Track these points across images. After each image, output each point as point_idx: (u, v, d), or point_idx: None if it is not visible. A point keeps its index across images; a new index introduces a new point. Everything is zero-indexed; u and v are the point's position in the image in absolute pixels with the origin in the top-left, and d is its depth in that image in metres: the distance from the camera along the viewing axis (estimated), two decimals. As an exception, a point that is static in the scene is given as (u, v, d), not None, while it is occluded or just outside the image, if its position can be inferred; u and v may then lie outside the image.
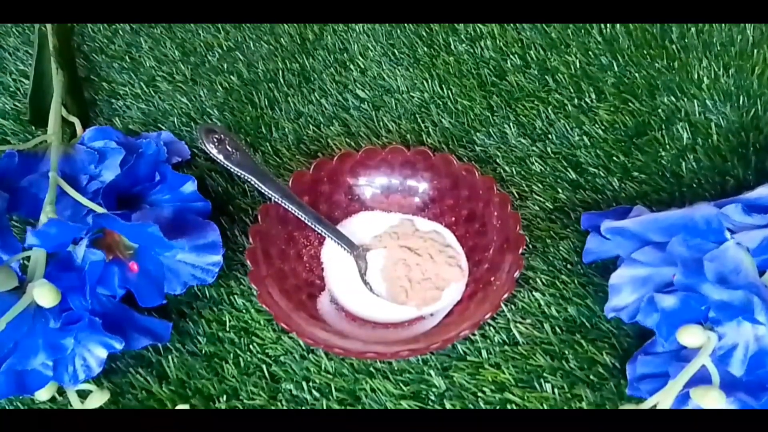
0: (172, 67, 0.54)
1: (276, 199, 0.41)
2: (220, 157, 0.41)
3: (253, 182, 0.41)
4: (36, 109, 0.48)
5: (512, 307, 0.41)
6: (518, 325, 0.40)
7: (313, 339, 0.37)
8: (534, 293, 0.41)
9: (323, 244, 0.44)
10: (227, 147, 0.42)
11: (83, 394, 0.36)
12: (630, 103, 0.50)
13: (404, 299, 0.41)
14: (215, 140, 0.42)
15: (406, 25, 0.57)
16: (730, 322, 0.34)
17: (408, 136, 0.50)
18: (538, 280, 0.42)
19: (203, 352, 0.40)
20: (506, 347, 0.39)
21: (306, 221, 0.42)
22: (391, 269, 0.42)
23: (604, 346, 0.39)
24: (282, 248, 0.43)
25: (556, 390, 0.38)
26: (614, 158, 0.47)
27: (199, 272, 0.39)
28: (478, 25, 0.56)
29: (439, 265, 0.42)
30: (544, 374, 0.38)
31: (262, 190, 0.41)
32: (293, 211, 0.41)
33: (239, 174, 0.41)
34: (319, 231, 0.42)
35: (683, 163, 0.46)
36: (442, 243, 0.43)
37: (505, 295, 0.37)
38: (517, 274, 0.38)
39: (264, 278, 0.40)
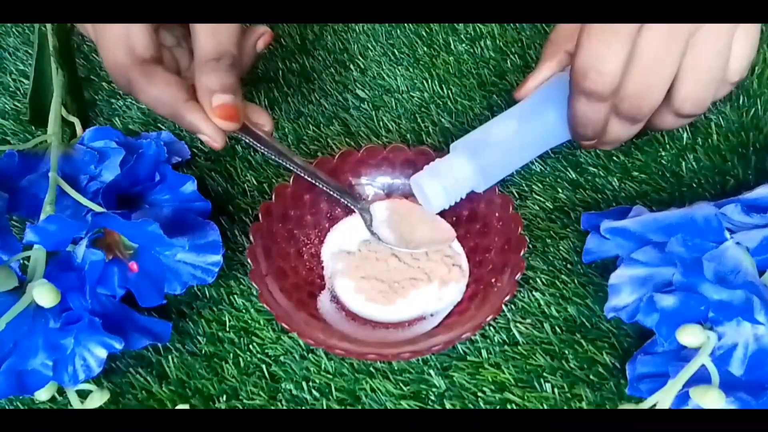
0: (172, 67, 0.54)
1: (270, 155, 0.41)
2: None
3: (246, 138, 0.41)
4: (36, 109, 0.48)
5: (512, 307, 0.41)
6: (518, 324, 0.40)
7: (314, 339, 0.37)
8: (534, 293, 0.41)
9: (324, 242, 0.44)
10: None
11: (83, 394, 0.36)
12: (630, 103, 0.50)
13: (415, 245, 0.42)
14: None
15: (406, 25, 0.57)
16: (730, 322, 0.34)
17: (408, 135, 0.50)
18: (538, 280, 0.42)
19: (203, 352, 0.40)
20: (506, 347, 0.39)
21: (304, 175, 0.42)
22: (395, 218, 0.43)
23: (604, 346, 0.39)
24: (282, 246, 0.43)
25: (556, 390, 0.38)
26: (614, 158, 0.47)
27: (199, 272, 0.39)
28: (478, 25, 0.56)
29: (435, 261, 0.42)
30: (544, 374, 0.38)
31: (257, 147, 0.41)
32: (289, 166, 0.41)
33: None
34: (319, 185, 0.42)
35: (683, 163, 0.46)
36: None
37: (507, 298, 0.37)
38: (518, 277, 0.38)
39: (264, 277, 0.40)
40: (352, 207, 0.43)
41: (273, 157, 0.41)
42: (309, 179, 0.42)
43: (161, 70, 0.37)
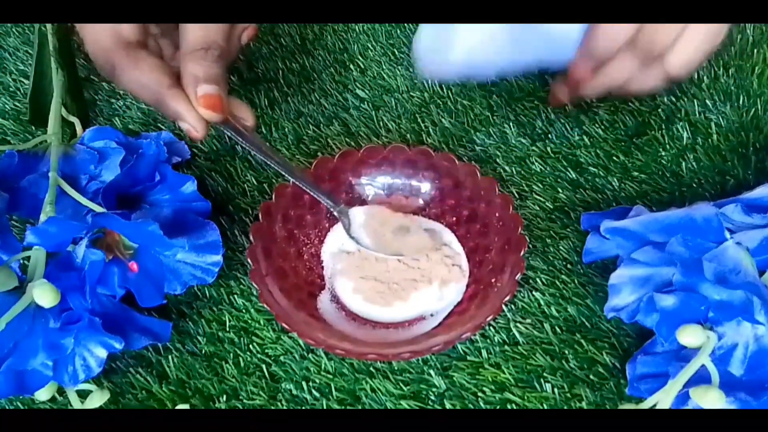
0: (172, 67, 0.55)
1: (251, 150, 0.41)
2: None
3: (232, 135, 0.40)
4: (36, 109, 0.48)
5: (512, 307, 0.41)
6: (518, 324, 0.40)
7: (314, 339, 0.37)
8: (534, 293, 0.41)
9: (324, 242, 0.44)
10: None
11: (83, 394, 0.36)
12: (630, 103, 0.50)
13: (393, 251, 0.42)
14: None
15: (406, 25, 0.57)
16: (730, 322, 0.34)
17: (408, 135, 0.50)
18: (538, 279, 0.42)
19: (203, 352, 0.40)
20: (506, 347, 0.39)
21: (284, 173, 0.41)
22: (372, 223, 0.42)
23: (604, 346, 0.39)
24: (282, 246, 0.43)
25: (556, 390, 0.38)
26: (614, 158, 0.47)
27: (199, 272, 0.39)
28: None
29: (434, 262, 0.42)
30: (544, 374, 0.38)
31: (242, 145, 0.41)
32: (270, 164, 0.41)
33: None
34: (300, 185, 0.42)
35: (683, 163, 0.46)
36: (438, 241, 0.43)
37: (507, 298, 0.37)
38: (518, 276, 0.38)
39: (264, 277, 0.40)
40: (331, 210, 0.43)
41: (254, 153, 0.40)
42: (289, 178, 0.41)
43: (146, 54, 0.37)
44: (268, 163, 0.41)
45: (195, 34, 0.37)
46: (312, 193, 0.42)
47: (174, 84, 0.37)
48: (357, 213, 0.43)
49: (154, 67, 0.37)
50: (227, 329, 0.41)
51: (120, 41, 0.37)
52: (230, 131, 0.40)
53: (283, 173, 0.41)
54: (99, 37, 0.37)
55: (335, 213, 0.43)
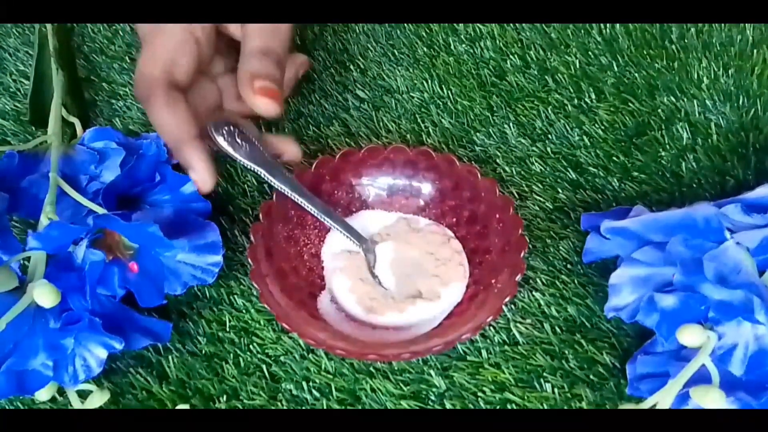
0: (172, 68, 0.55)
1: (285, 191, 0.41)
2: (230, 149, 0.41)
3: (261, 174, 0.41)
4: (36, 109, 0.48)
5: (512, 307, 0.41)
6: (518, 324, 0.40)
7: (315, 340, 0.37)
8: (534, 293, 0.41)
9: (324, 242, 0.44)
10: (236, 139, 0.41)
11: (83, 394, 0.36)
12: (630, 103, 0.50)
13: (413, 293, 0.41)
14: (225, 132, 0.41)
15: (406, 25, 0.57)
16: (730, 322, 0.34)
17: (408, 136, 0.50)
18: (538, 280, 0.42)
19: (203, 352, 0.40)
20: (506, 347, 0.39)
21: (314, 213, 0.41)
22: (400, 263, 0.42)
23: (604, 345, 0.39)
24: (283, 246, 0.43)
25: (556, 390, 0.38)
26: (614, 158, 0.47)
27: (199, 272, 0.39)
28: (478, 25, 0.56)
29: (440, 261, 0.42)
30: (544, 374, 0.38)
31: (272, 182, 0.41)
32: (301, 203, 0.41)
33: (249, 167, 0.41)
34: (328, 223, 0.42)
35: (683, 163, 0.46)
36: (440, 241, 0.43)
37: (507, 299, 0.37)
38: (518, 278, 0.38)
39: (265, 277, 0.40)
40: (357, 246, 0.43)
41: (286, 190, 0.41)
42: (317, 215, 0.42)
43: (184, 102, 0.39)
44: (303, 203, 0.41)
45: (255, 41, 0.38)
46: (340, 230, 0.42)
47: (197, 137, 0.39)
48: (384, 250, 0.43)
49: (186, 117, 0.39)
50: (227, 329, 0.41)
51: (169, 79, 0.38)
52: (262, 170, 0.41)
53: (317, 215, 0.42)
54: (152, 65, 0.38)
55: (362, 250, 0.42)
